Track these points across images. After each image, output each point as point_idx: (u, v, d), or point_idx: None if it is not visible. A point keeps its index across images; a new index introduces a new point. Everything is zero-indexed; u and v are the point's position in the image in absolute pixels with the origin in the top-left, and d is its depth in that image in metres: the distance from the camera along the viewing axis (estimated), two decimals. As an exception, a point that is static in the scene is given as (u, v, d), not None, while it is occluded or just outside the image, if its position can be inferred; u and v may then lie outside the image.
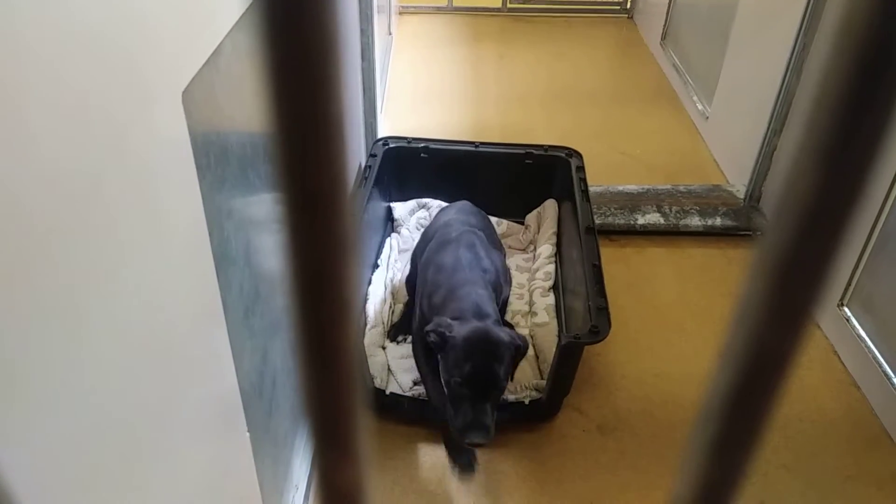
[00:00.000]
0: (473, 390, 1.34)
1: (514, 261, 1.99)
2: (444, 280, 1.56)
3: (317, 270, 0.14)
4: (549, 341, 1.68)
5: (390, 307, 1.81)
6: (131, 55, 0.60)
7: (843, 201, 0.13)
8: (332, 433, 0.17)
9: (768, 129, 2.10)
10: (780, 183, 0.14)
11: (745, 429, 0.17)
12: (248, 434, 0.97)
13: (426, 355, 1.55)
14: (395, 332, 1.74)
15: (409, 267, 1.90)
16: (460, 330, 1.39)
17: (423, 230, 1.95)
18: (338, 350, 0.15)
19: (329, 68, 0.11)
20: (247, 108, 0.99)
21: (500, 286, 1.64)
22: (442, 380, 1.42)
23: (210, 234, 0.79)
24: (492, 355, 1.36)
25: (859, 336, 1.68)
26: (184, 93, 0.71)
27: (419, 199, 2.13)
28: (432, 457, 1.49)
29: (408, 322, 1.74)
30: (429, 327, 1.43)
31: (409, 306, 1.78)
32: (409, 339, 1.71)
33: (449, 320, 1.42)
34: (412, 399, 1.55)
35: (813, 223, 0.13)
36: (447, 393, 1.39)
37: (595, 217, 1.77)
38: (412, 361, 1.63)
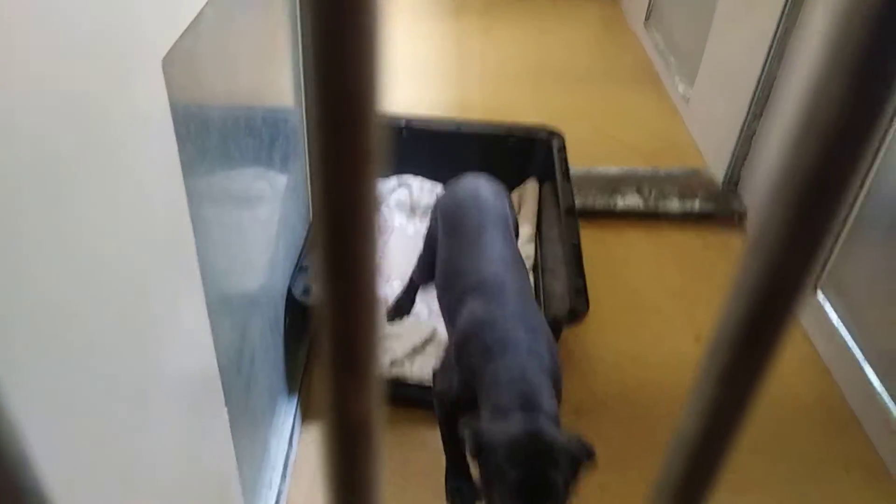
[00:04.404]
0: (522, 502, 1.03)
1: (493, 240, 1.98)
2: (483, 348, 1.19)
3: (343, 184, 0.14)
4: (527, 322, 1.68)
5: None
6: (109, 21, 0.57)
7: (867, 119, 0.14)
8: (347, 354, 0.17)
9: (748, 113, 2.11)
10: (803, 108, 0.14)
11: (755, 358, 0.18)
12: (226, 410, 0.96)
13: (446, 420, 1.30)
14: (393, 314, 1.71)
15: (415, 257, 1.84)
16: (500, 431, 1.06)
17: (434, 209, 1.57)
18: (360, 260, 0.15)
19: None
20: (229, 76, 0.96)
21: (557, 372, 1.21)
22: (482, 492, 1.11)
23: (190, 207, 0.77)
24: (545, 457, 1.04)
25: (831, 321, 1.70)
26: (164, 60, 0.68)
27: (399, 177, 2.11)
28: (411, 437, 1.49)
29: (405, 302, 1.72)
30: (461, 428, 1.12)
31: (408, 287, 1.72)
32: (406, 320, 1.71)
33: (482, 426, 1.09)
34: (391, 381, 1.54)
35: (836, 144, 0.14)
36: None
37: (575, 198, 1.77)
38: (393, 342, 1.61)
